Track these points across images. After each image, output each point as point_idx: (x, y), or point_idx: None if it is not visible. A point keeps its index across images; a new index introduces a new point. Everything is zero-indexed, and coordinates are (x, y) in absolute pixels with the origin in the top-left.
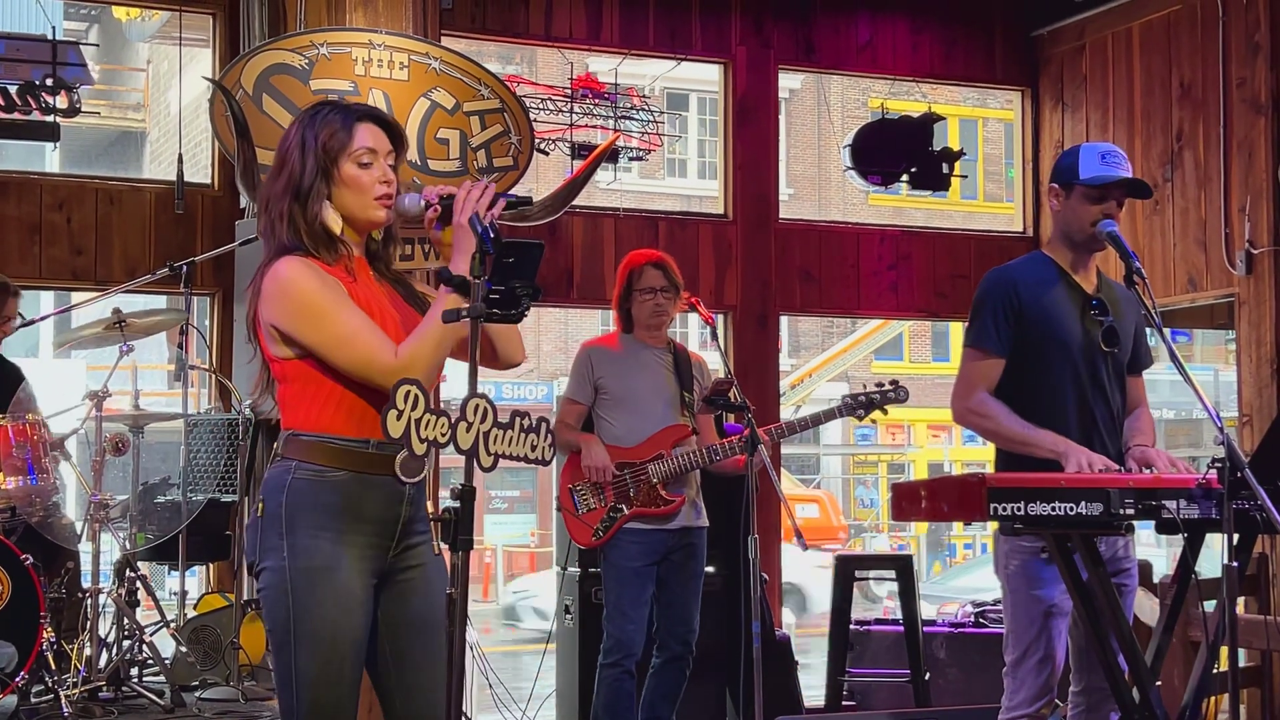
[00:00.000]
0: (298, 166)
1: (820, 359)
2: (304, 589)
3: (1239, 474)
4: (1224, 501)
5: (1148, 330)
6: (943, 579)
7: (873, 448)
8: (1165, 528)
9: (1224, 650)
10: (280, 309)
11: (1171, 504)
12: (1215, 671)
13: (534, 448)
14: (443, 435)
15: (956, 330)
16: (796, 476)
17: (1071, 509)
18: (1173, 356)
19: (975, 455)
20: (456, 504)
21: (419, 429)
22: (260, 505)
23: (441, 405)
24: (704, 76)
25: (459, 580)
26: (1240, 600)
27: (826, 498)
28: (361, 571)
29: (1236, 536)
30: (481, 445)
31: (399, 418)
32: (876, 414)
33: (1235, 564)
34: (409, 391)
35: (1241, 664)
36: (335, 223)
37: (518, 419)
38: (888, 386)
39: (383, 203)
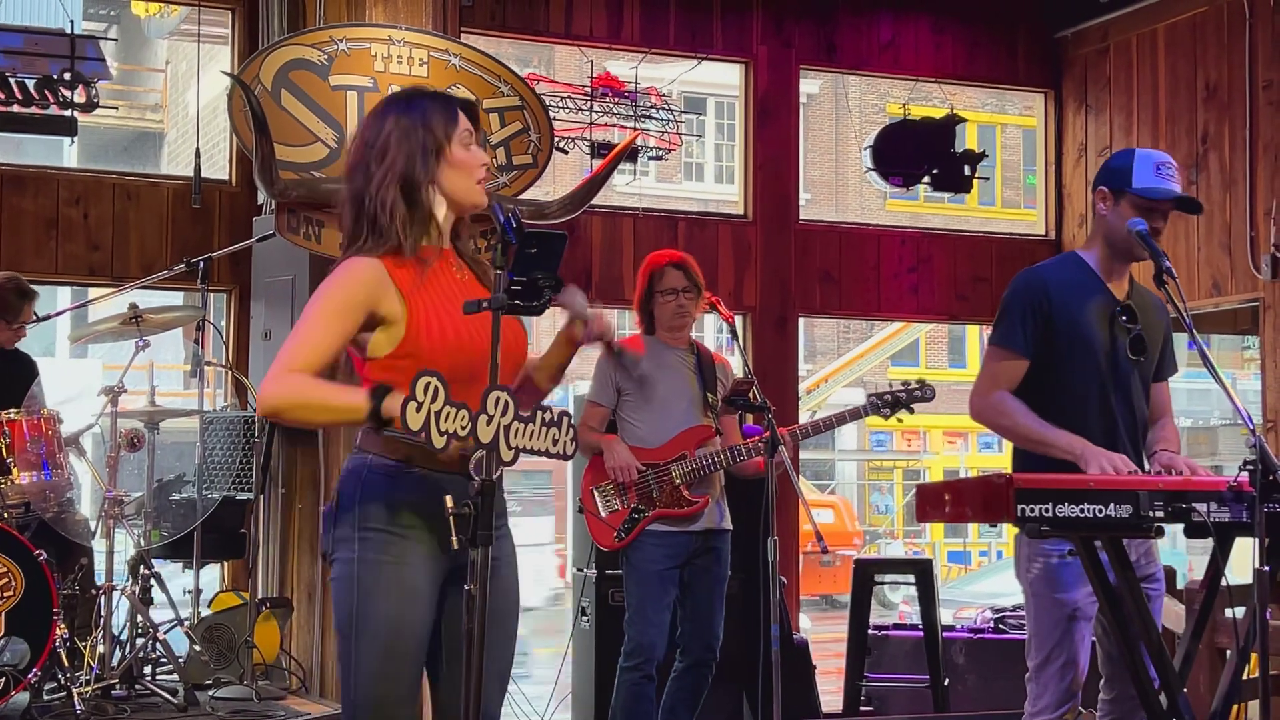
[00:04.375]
0: (402, 154)
1: (836, 364)
2: (369, 583)
3: (1271, 476)
4: (1255, 505)
5: (1177, 333)
6: (960, 584)
7: (888, 454)
8: (1195, 531)
9: (1254, 657)
10: None
11: (1202, 507)
12: (1245, 678)
13: (555, 441)
14: (463, 428)
15: (974, 336)
16: (812, 482)
17: (1100, 511)
18: (1205, 360)
19: (992, 462)
20: (476, 498)
21: (438, 421)
22: (336, 496)
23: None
24: (722, 80)
25: (479, 577)
26: (1270, 607)
27: (841, 503)
28: (429, 568)
29: (1268, 540)
30: (502, 439)
31: (418, 410)
32: (902, 414)
33: (1267, 568)
34: (429, 383)
35: (1271, 671)
36: (441, 208)
37: (539, 412)
38: (914, 385)
39: (483, 185)
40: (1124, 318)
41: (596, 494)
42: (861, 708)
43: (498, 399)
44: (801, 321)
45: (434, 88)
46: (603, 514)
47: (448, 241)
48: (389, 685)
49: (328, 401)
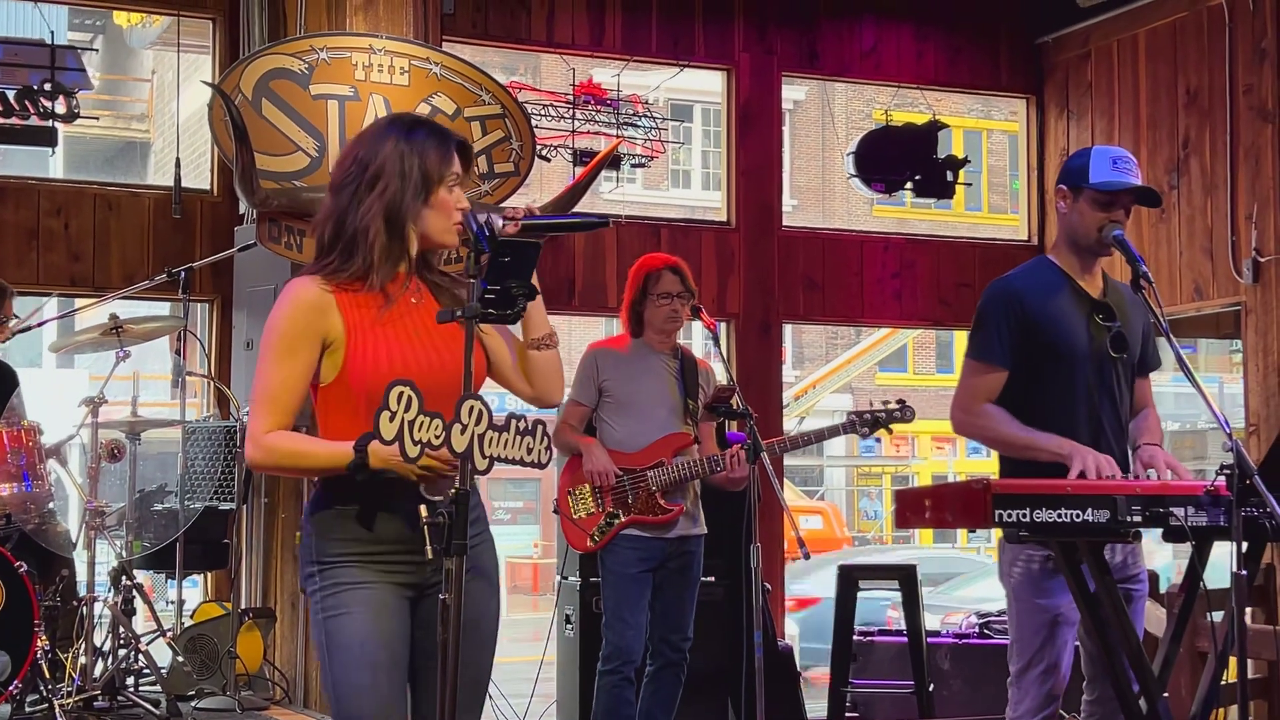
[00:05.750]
0: (397, 187)
1: (824, 370)
2: (335, 605)
3: (1248, 481)
4: (1233, 509)
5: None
6: (948, 589)
7: (877, 459)
8: (1173, 535)
9: (1232, 661)
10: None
11: (1179, 511)
12: (1224, 682)
13: (530, 450)
14: (436, 437)
15: (961, 340)
16: (800, 488)
17: (1078, 516)
18: (1181, 363)
19: (980, 467)
20: (451, 508)
21: (412, 431)
22: (301, 532)
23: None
24: (708, 87)
25: (454, 587)
26: (1248, 610)
27: (830, 509)
28: (392, 585)
29: (1245, 544)
30: (476, 448)
31: (391, 419)
32: (881, 431)
33: (1244, 572)
34: (402, 393)
35: (1250, 675)
36: (414, 245)
37: (513, 421)
38: (894, 405)
39: (458, 227)
40: (1101, 316)
41: (572, 496)
42: (846, 714)
43: (472, 408)
44: (789, 328)
45: (436, 122)
46: (576, 516)
47: (412, 268)
48: (368, 697)
49: (314, 462)
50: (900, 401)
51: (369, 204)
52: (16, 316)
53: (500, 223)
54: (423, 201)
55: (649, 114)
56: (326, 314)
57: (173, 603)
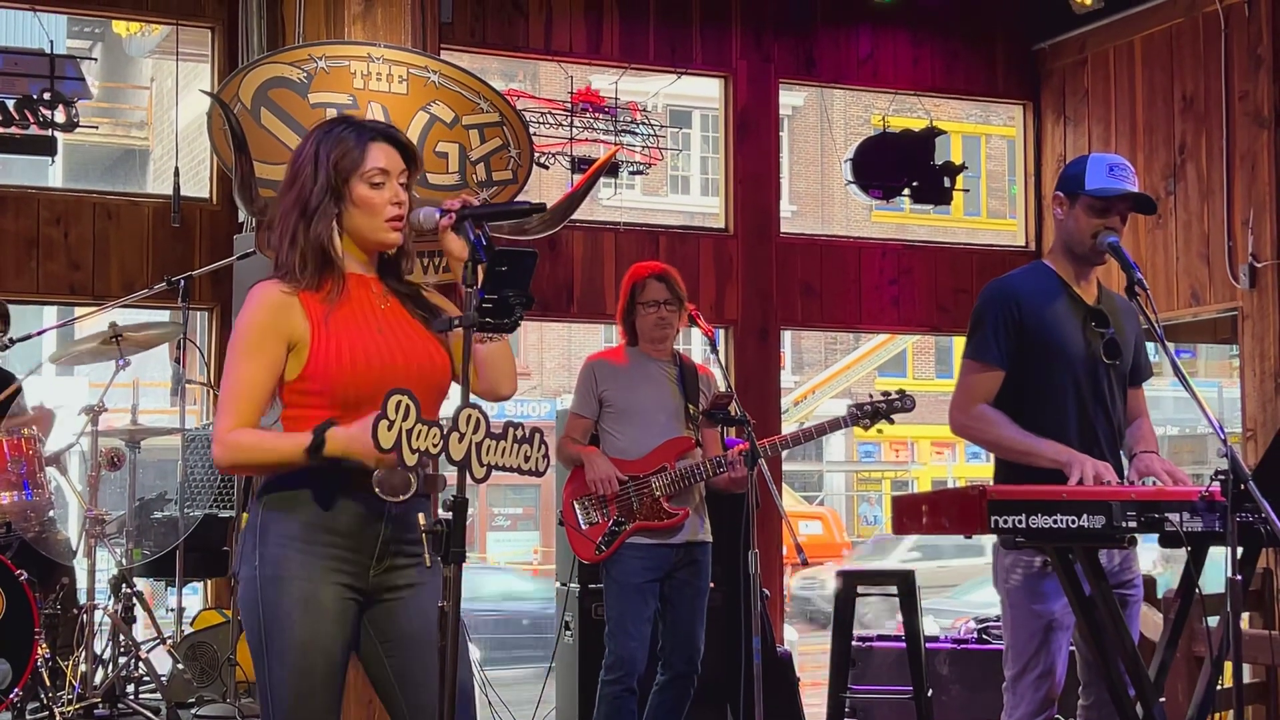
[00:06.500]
0: (309, 184)
1: (823, 376)
2: (272, 600)
3: (1243, 486)
4: (1228, 514)
5: (1149, 343)
6: (954, 594)
7: (876, 464)
8: (1168, 541)
9: (1228, 666)
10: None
11: (1175, 517)
12: (1220, 687)
13: (527, 458)
14: (434, 446)
15: (960, 345)
16: (800, 493)
17: (1073, 522)
18: (1175, 369)
19: (979, 472)
20: (448, 515)
21: (410, 440)
22: (245, 517)
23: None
24: (706, 93)
25: (452, 594)
26: (1245, 616)
27: (830, 514)
28: (334, 585)
29: (1240, 550)
30: (474, 456)
31: (390, 428)
32: (883, 425)
33: (1239, 578)
34: (400, 401)
35: (1246, 680)
36: (338, 244)
37: (511, 429)
38: (894, 395)
39: (393, 225)
40: (1095, 322)
41: (577, 506)
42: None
43: (469, 416)
44: (788, 334)
45: (365, 118)
46: (583, 526)
47: (372, 271)
48: (304, 703)
49: (276, 454)
50: (900, 391)
51: (289, 204)
52: (10, 340)
53: (437, 214)
54: (334, 198)
55: (647, 121)
56: (290, 314)
57: (173, 610)
